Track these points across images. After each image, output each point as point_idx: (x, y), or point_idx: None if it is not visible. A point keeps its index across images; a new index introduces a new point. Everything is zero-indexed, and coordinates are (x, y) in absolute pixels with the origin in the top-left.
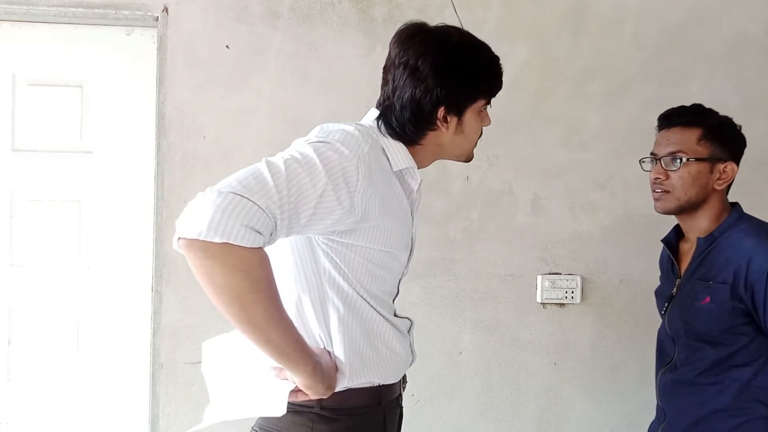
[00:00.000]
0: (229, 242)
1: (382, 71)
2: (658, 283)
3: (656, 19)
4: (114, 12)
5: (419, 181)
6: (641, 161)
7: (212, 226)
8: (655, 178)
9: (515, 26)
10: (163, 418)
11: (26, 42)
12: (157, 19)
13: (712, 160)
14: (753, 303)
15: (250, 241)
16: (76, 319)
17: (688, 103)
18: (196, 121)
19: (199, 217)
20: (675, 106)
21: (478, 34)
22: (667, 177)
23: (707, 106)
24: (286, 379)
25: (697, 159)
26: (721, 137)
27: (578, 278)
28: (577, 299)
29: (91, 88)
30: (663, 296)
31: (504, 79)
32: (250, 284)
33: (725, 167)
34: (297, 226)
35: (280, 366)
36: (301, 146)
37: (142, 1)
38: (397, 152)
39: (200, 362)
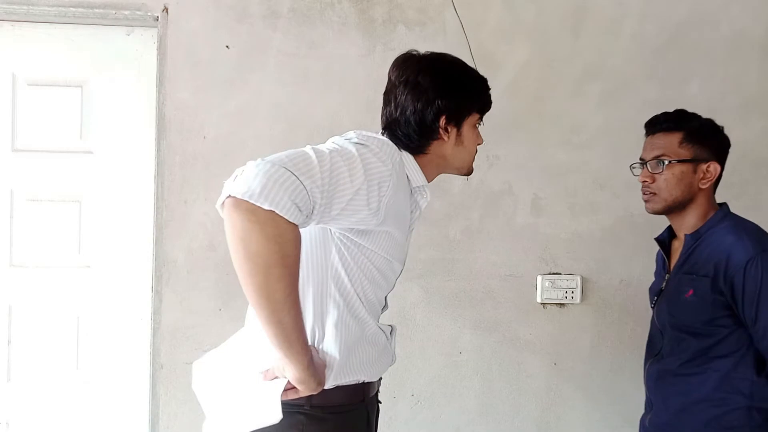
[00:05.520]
0: (275, 212)
1: (382, 96)
2: None
3: (656, 19)
4: (114, 12)
5: (428, 200)
6: (631, 167)
7: (264, 192)
8: (643, 181)
9: (515, 26)
10: (163, 418)
11: (26, 42)
12: (157, 19)
13: (695, 161)
14: (732, 296)
15: (293, 216)
16: (76, 319)
17: (687, 104)
18: (196, 121)
19: (252, 181)
20: (675, 105)
21: (478, 34)
22: (654, 180)
23: (707, 106)
24: (275, 378)
25: (679, 161)
26: (702, 139)
27: (578, 278)
28: (577, 299)
29: (91, 88)
30: (654, 291)
31: (504, 79)
32: (281, 258)
33: (708, 167)
34: (327, 216)
35: (267, 368)
36: (343, 143)
37: (142, 1)
38: (414, 169)
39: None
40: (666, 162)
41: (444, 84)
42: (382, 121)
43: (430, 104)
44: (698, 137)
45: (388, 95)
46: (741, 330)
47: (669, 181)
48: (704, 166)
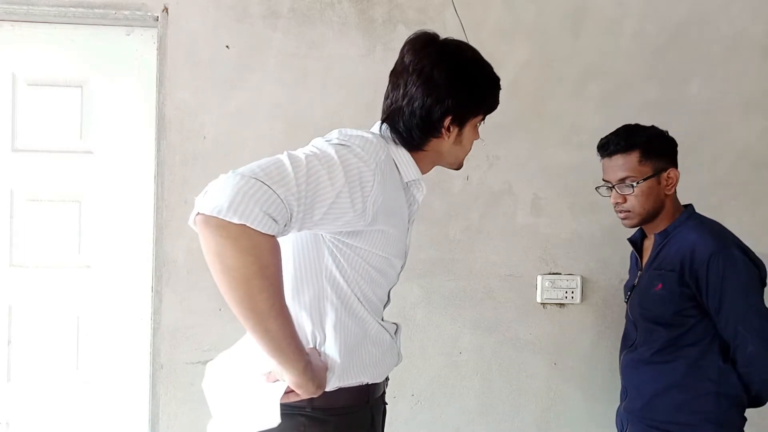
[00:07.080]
0: (246, 225)
1: (389, 75)
2: None
3: (656, 19)
4: (114, 12)
5: (424, 193)
6: (597, 189)
7: (232, 207)
8: (615, 203)
9: (515, 26)
10: (163, 418)
11: (26, 42)
12: (157, 19)
13: (657, 173)
14: (697, 287)
15: (266, 227)
16: (76, 319)
17: (687, 104)
18: (196, 121)
19: (220, 196)
20: (675, 105)
21: (478, 34)
22: (625, 200)
23: (707, 106)
24: (277, 381)
25: (644, 178)
26: (657, 151)
27: (578, 278)
28: (577, 299)
29: (91, 88)
30: (627, 287)
31: (504, 79)
32: (259, 269)
33: (668, 174)
34: (310, 222)
35: (269, 370)
36: (323, 145)
37: (142, 1)
38: (407, 163)
39: (200, 362)
40: (635, 184)
41: (458, 84)
42: (385, 105)
43: (439, 102)
44: (653, 151)
45: (397, 78)
46: (707, 320)
47: (639, 198)
48: (665, 175)
